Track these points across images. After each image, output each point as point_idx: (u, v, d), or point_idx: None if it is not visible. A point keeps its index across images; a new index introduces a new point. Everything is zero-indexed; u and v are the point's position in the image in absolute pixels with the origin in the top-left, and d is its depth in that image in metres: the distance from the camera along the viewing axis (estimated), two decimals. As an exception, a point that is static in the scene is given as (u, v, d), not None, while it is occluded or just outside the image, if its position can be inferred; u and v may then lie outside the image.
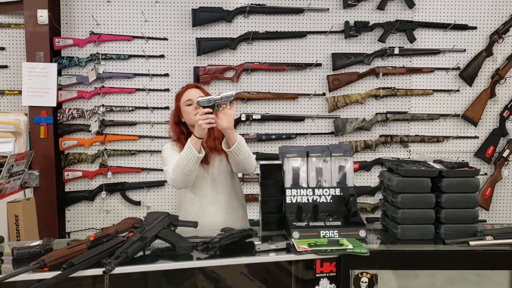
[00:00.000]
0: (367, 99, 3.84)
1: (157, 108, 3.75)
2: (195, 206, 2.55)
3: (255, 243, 2.11)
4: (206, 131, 2.31)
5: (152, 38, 3.72)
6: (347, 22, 3.77)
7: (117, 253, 1.85)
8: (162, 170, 3.72)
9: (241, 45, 3.77)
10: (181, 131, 2.60)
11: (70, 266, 1.75)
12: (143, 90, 3.73)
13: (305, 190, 2.36)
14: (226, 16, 3.70)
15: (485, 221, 3.89)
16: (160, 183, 3.78)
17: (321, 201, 2.35)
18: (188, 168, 2.33)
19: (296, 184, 2.39)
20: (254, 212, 3.52)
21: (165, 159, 2.52)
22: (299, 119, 3.83)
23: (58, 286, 1.75)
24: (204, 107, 2.31)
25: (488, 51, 3.84)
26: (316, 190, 2.36)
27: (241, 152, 2.39)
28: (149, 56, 3.72)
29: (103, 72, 3.68)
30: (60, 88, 3.62)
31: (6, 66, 3.72)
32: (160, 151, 3.73)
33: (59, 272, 1.74)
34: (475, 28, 3.86)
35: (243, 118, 3.76)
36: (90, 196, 3.73)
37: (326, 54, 3.83)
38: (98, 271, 1.80)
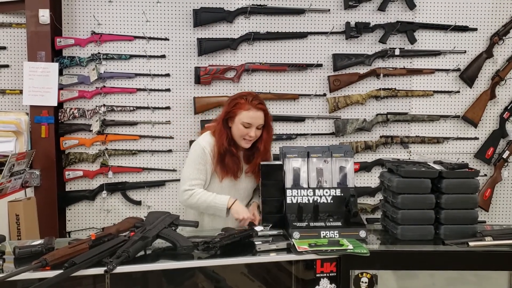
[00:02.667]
0: (368, 100, 3.85)
1: (158, 108, 3.75)
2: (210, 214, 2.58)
3: (256, 243, 2.12)
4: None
5: (153, 38, 3.73)
6: (348, 23, 3.78)
7: (118, 252, 1.86)
8: (162, 170, 3.77)
9: (242, 45, 3.77)
10: (226, 134, 2.52)
11: (72, 265, 1.76)
12: (144, 90, 3.74)
13: (305, 190, 2.38)
14: (227, 16, 3.71)
15: (484, 222, 3.89)
16: (161, 183, 3.78)
17: (321, 201, 2.36)
18: (204, 210, 2.50)
19: (296, 185, 2.40)
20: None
21: (189, 164, 2.53)
22: (300, 119, 3.83)
23: (59, 285, 1.76)
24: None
25: (488, 53, 3.85)
26: (316, 191, 2.38)
27: None
28: (150, 56, 3.73)
29: (104, 72, 3.68)
30: (61, 87, 3.62)
31: (7, 66, 3.73)
32: (161, 151, 3.77)
33: (61, 271, 1.74)
34: (475, 29, 3.86)
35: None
36: (90, 195, 3.73)
37: (327, 55, 3.83)
38: (100, 271, 1.81)
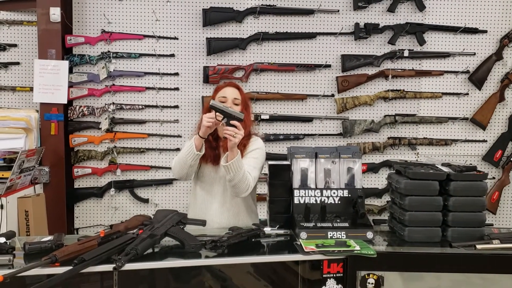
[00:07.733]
0: (376, 101, 3.85)
1: (167, 106, 3.77)
2: (199, 200, 2.59)
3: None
4: (207, 130, 2.36)
5: (163, 37, 3.75)
6: (357, 24, 3.78)
7: (127, 249, 1.87)
8: (170, 168, 3.76)
9: (251, 45, 3.79)
10: None
11: (81, 262, 1.78)
12: (153, 88, 3.76)
13: (313, 191, 2.38)
14: (236, 16, 3.72)
15: (492, 225, 3.89)
16: (168, 181, 3.80)
17: (329, 202, 2.36)
18: (184, 161, 2.43)
19: (304, 185, 2.40)
20: (262, 212, 3.53)
21: None
22: (308, 119, 3.84)
23: (67, 281, 1.77)
24: (216, 110, 2.32)
25: (498, 55, 3.84)
26: (324, 191, 2.38)
27: (230, 172, 2.34)
28: (160, 55, 3.75)
29: (113, 70, 3.71)
30: (71, 85, 3.65)
31: (18, 63, 3.77)
32: (169, 150, 3.80)
33: (70, 267, 1.76)
34: (485, 31, 3.85)
35: (252, 118, 3.76)
36: (99, 193, 3.76)
37: (335, 56, 3.84)
38: (109, 267, 1.82)
